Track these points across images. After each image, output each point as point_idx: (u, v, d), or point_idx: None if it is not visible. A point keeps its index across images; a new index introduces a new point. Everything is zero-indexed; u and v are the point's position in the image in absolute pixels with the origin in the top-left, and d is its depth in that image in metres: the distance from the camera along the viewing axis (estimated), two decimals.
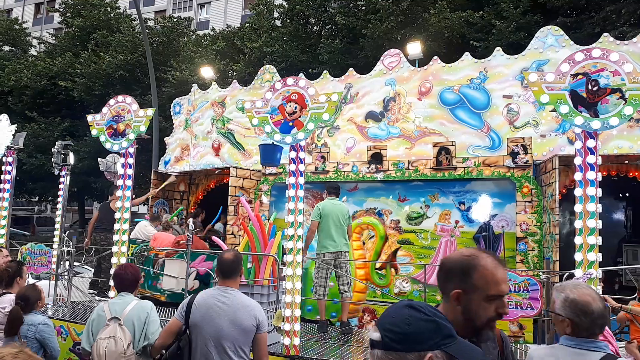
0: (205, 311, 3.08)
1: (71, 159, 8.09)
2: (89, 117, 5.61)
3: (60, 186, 7.99)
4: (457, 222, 7.27)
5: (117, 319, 3.30)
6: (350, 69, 9.56)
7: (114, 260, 5.27)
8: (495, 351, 1.74)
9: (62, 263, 7.64)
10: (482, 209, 7.15)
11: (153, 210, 9.64)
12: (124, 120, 5.33)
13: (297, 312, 4.46)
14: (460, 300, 1.55)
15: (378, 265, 7.57)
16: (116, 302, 3.44)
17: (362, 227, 7.75)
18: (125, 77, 19.72)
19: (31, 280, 6.33)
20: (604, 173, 6.83)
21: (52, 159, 8.08)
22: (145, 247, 7.72)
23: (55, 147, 8.12)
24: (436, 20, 13.94)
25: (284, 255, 4.58)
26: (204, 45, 22.26)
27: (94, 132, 5.51)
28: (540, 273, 5.81)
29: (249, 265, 5.33)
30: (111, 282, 4.53)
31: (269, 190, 8.59)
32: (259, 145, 7.17)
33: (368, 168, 7.84)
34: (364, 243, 7.75)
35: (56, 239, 7.58)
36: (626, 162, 7.11)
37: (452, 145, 7.43)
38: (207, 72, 12.12)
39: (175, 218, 9.05)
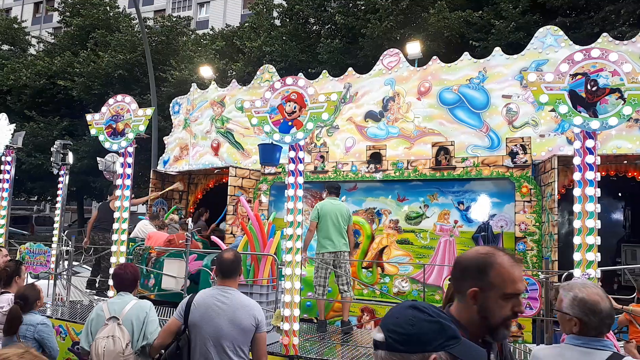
0: (205, 311, 3.08)
1: (70, 158, 8.06)
2: (88, 117, 5.60)
3: (59, 185, 7.97)
4: (456, 221, 7.27)
5: (116, 319, 3.30)
6: (350, 68, 9.57)
7: (113, 259, 5.27)
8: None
9: (61, 262, 7.64)
10: (481, 208, 7.16)
11: (152, 210, 9.64)
12: (123, 120, 5.33)
13: (296, 312, 4.46)
14: (477, 298, 1.53)
15: (365, 264, 7.62)
16: (115, 302, 3.44)
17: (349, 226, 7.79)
18: (124, 77, 19.70)
19: (30, 280, 6.33)
20: (603, 173, 6.84)
21: (51, 158, 8.05)
22: (140, 246, 7.71)
23: (54, 146, 8.09)
24: (435, 20, 13.94)
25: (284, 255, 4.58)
26: (203, 44, 22.28)
27: (93, 131, 5.50)
28: (539, 273, 5.82)
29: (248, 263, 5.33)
30: (110, 282, 4.53)
31: (268, 190, 8.59)
32: (258, 145, 7.15)
33: (367, 168, 7.84)
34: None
35: (55, 239, 7.55)
36: (625, 162, 7.12)
37: (451, 145, 7.43)
38: (206, 71, 12.09)
39: (176, 217, 9.05)
